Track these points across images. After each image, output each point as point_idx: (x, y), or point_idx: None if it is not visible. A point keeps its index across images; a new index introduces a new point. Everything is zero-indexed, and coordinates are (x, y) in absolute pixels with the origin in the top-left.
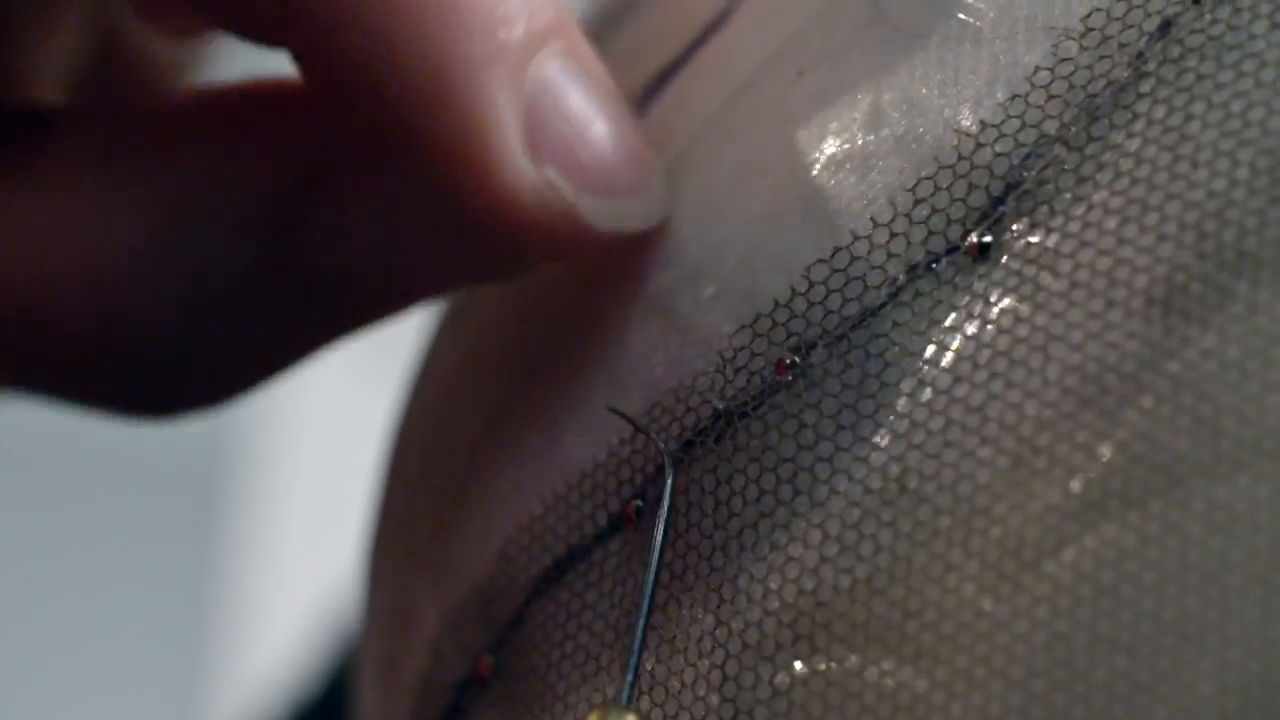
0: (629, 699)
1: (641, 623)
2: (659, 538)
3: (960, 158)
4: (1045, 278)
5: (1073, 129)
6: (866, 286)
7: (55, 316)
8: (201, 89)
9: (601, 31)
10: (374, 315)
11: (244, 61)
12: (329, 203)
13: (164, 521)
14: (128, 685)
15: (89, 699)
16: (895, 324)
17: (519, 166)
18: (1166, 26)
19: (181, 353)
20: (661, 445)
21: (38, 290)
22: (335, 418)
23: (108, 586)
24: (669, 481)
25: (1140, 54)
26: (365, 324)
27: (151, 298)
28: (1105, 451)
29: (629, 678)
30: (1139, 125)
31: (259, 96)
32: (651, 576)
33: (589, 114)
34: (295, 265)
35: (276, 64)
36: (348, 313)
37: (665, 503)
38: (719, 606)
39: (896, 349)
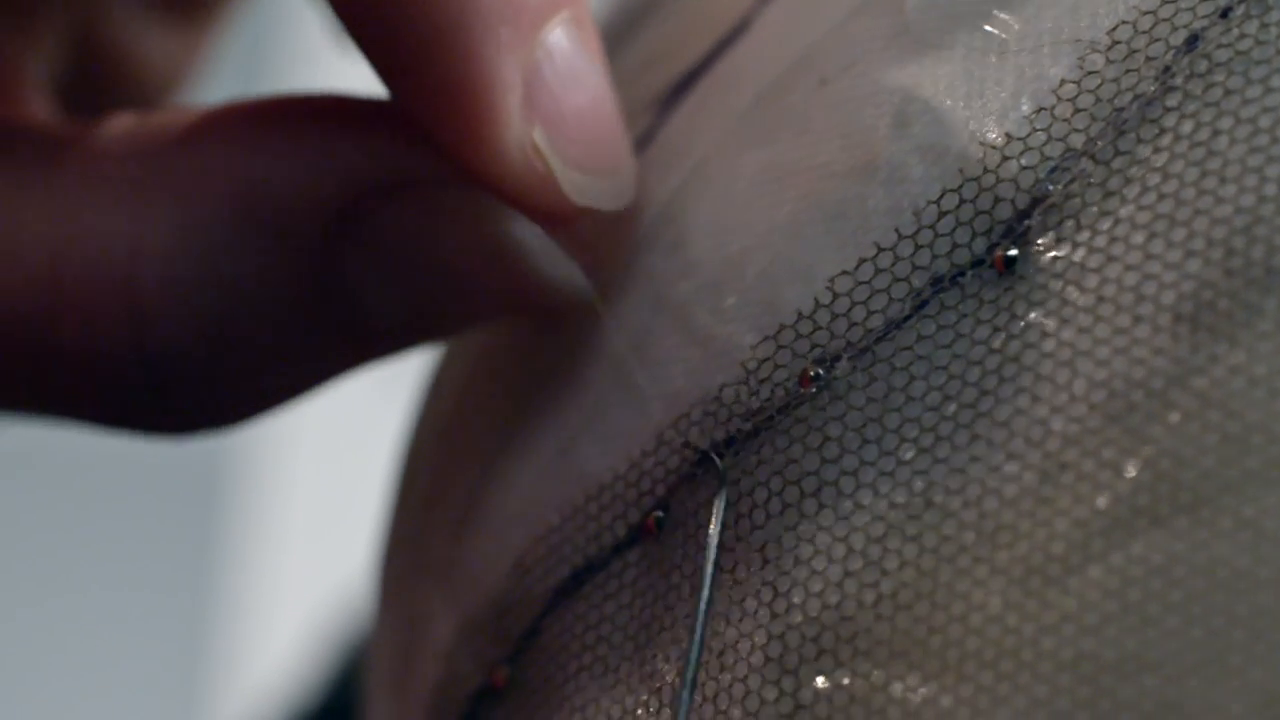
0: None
1: (697, 639)
2: (713, 550)
3: (985, 170)
4: (1072, 292)
5: (1099, 143)
6: (891, 299)
7: (81, 332)
8: (254, 100)
9: (619, 35)
10: (409, 341)
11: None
12: (375, 222)
13: (165, 529)
14: (128, 695)
15: (89, 708)
16: (920, 337)
17: (514, 126)
18: (1193, 40)
19: (209, 369)
20: (711, 453)
21: (62, 305)
22: (339, 423)
23: (109, 596)
24: (722, 491)
25: (1167, 68)
26: (400, 349)
27: (182, 308)
28: (1132, 468)
29: (685, 695)
30: (1166, 140)
31: (311, 108)
32: (705, 593)
33: (583, 87)
34: (331, 281)
35: (265, 82)
36: (382, 335)
37: (716, 518)
38: (741, 620)
39: (921, 362)
